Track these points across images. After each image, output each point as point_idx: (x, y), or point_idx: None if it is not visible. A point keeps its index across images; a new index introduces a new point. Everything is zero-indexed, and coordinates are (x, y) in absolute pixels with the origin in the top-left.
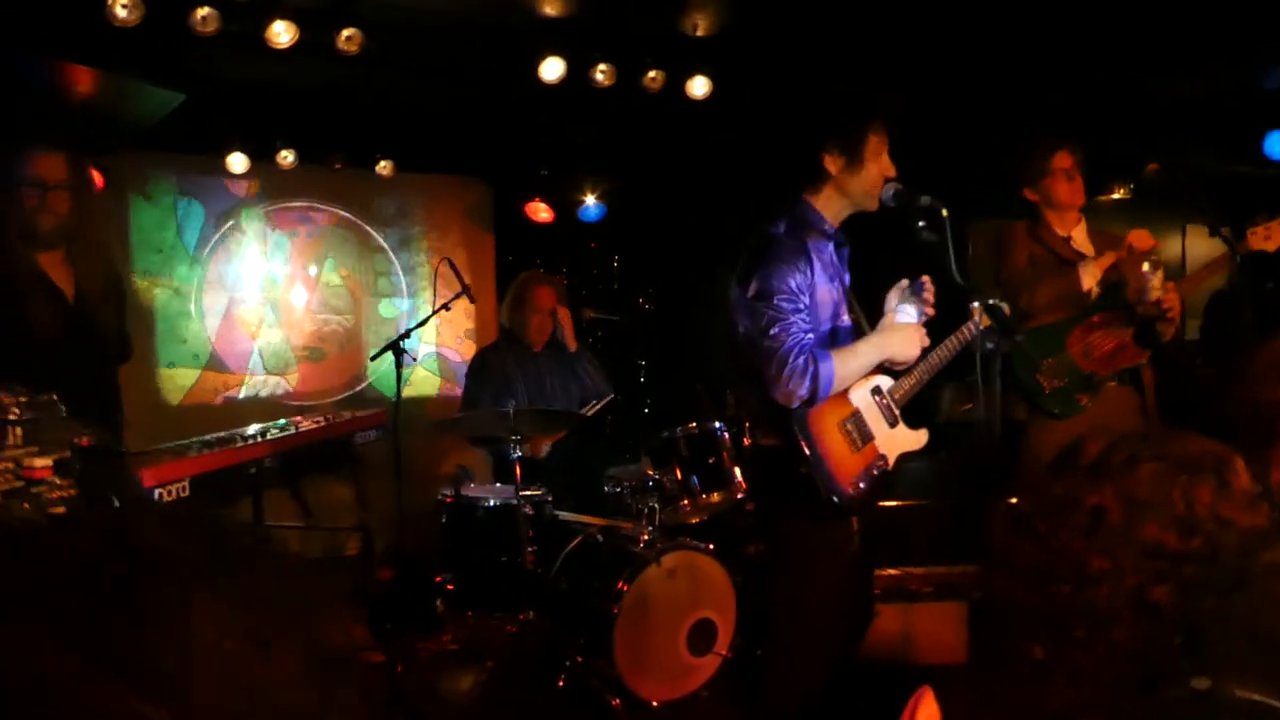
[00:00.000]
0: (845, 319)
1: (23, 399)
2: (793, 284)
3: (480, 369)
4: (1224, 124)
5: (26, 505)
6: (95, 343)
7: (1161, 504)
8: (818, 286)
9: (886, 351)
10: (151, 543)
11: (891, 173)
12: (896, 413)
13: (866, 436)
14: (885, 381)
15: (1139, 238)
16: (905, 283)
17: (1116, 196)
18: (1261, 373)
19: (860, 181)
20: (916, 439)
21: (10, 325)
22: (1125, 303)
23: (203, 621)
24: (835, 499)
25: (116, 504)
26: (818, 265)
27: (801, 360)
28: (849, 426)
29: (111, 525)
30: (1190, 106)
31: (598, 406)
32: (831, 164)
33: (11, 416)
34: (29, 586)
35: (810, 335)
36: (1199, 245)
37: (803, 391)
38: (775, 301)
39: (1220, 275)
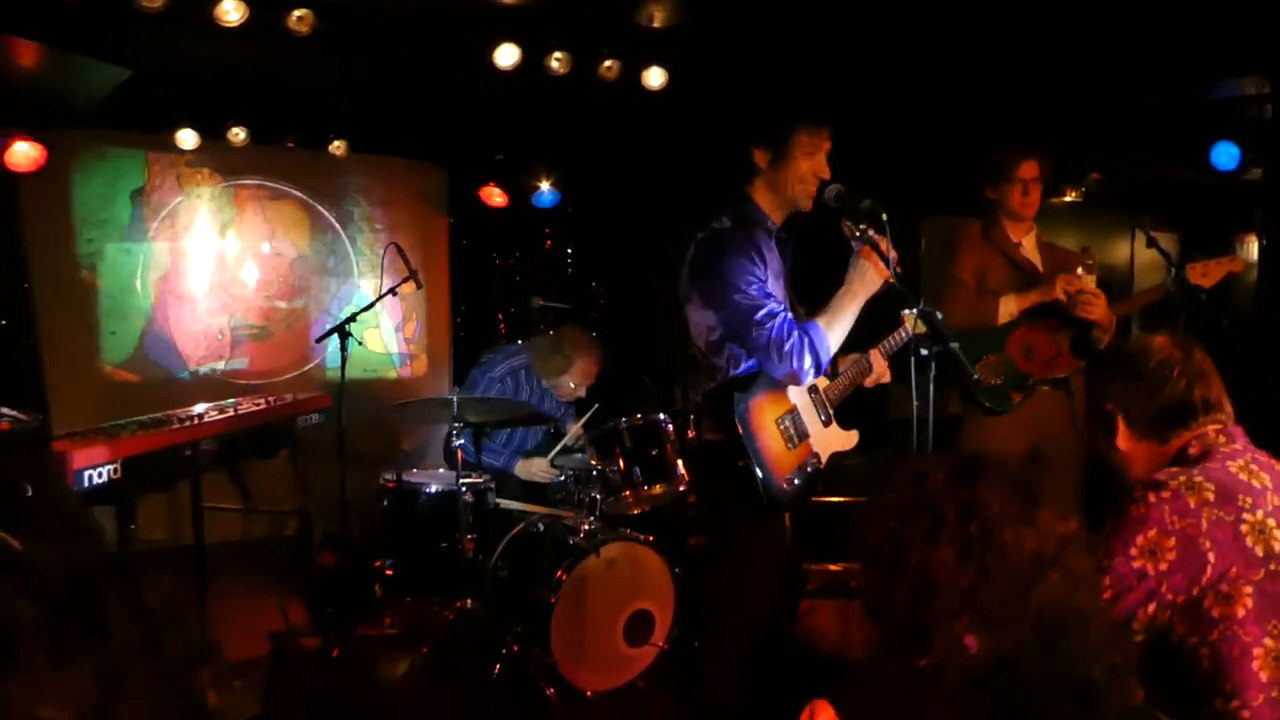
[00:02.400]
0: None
1: None
2: (757, 274)
3: (489, 371)
4: (1173, 134)
5: None
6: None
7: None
8: (768, 281)
9: (859, 295)
10: None
11: (825, 174)
12: (830, 412)
13: (802, 434)
14: (821, 380)
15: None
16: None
17: (1069, 199)
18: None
19: (788, 178)
20: (848, 439)
21: None
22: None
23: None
24: (770, 493)
25: (29, 492)
26: (767, 259)
27: (796, 336)
28: (786, 424)
29: None
30: (1141, 117)
31: (581, 421)
32: (759, 158)
33: None
34: None
35: (789, 314)
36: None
37: (807, 365)
38: (749, 290)
39: (1156, 297)
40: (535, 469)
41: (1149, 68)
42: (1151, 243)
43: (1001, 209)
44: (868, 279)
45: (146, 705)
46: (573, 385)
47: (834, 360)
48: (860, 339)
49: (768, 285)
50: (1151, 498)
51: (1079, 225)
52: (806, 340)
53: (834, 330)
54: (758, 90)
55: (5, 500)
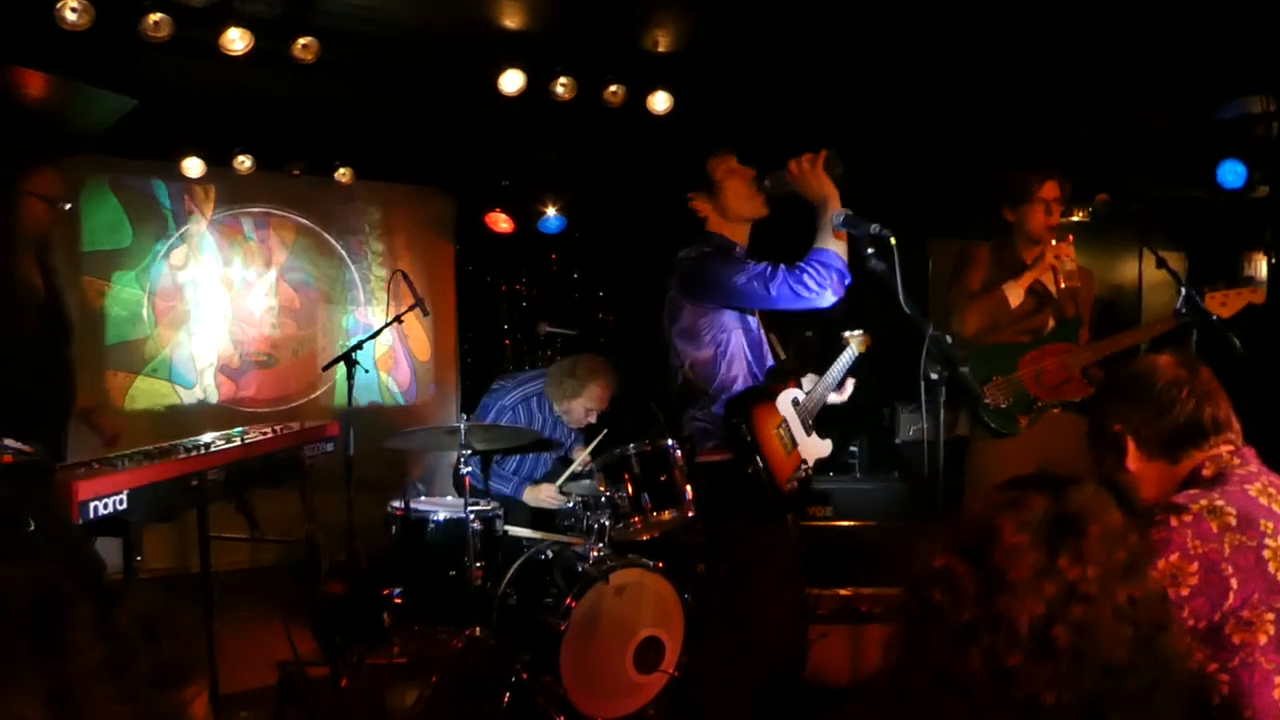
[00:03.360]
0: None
1: None
2: (746, 268)
3: (517, 403)
4: (1179, 153)
5: None
6: (62, 337)
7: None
8: None
9: (817, 193)
10: None
11: (760, 204)
12: (810, 422)
13: (793, 442)
14: (800, 395)
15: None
16: None
17: (1075, 219)
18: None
19: (728, 205)
20: (825, 447)
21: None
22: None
23: None
24: (776, 494)
25: (31, 526)
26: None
27: (802, 267)
28: (781, 432)
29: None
30: (1147, 136)
31: (591, 448)
32: (699, 205)
33: None
34: None
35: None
36: (1155, 270)
37: (835, 287)
38: (749, 268)
39: (1169, 327)
40: (544, 495)
41: (1155, 87)
42: (1161, 264)
43: (1019, 231)
44: (826, 190)
45: None
46: (585, 410)
47: (800, 379)
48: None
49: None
50: (1173, 521)
51: (1086, 246)
52: (818, 264)
53: (832, 245)
54: (761, 119)
55: (7, 533)
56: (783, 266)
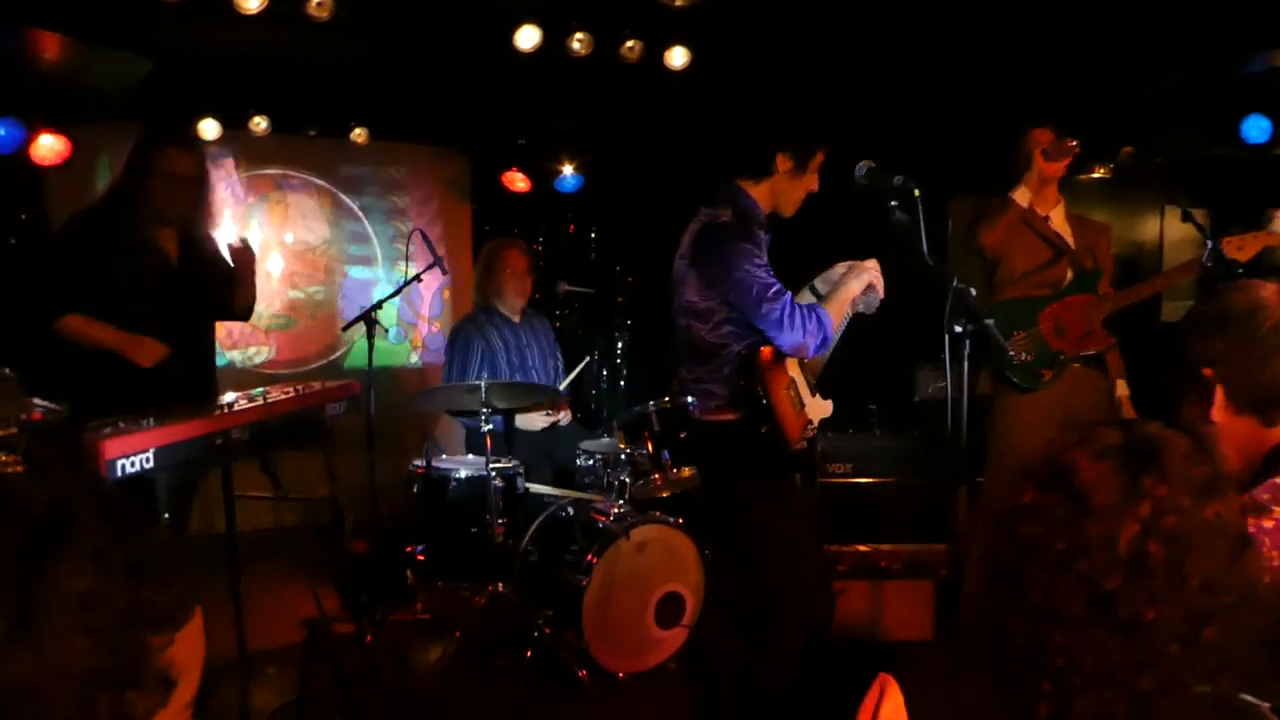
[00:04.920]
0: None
1: None
2: (761, 259)
3: (464, 343)
4: (1203, 109)
5: None
6: (193, 306)
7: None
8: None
9: (856, 290)
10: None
11: (816, 189)
12: (813, 382)
13: (801, 402)
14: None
15: None
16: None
17: (1096, 175)
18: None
19: (795, 189)
20: (827, 407)
21: (128, 289)
22: (1097, 288)
23: None
24: (787, 455)
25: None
26: (762, 250)
27: (806, 311)
28: (791, 392)
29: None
30: (1171, 91)
31: (574, 374)
32: (782, 163)
33: None
34: None
35: (789, 293)
36: (1178, 227)
37: (815, 340)
38: (757, 272)
39: (1190, 275)
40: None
41: (1179, 43)
42: (1187, 217)
43: (1026, 182)
44: (862, 281)
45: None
46: (515, 290)
47: None
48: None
49: (769, 269)
50: (1250, 523)
51: (1108, 202)
52: (814, 317)
53: (836, 312)
54: (797, 97)
55: None
56: (789, 296)
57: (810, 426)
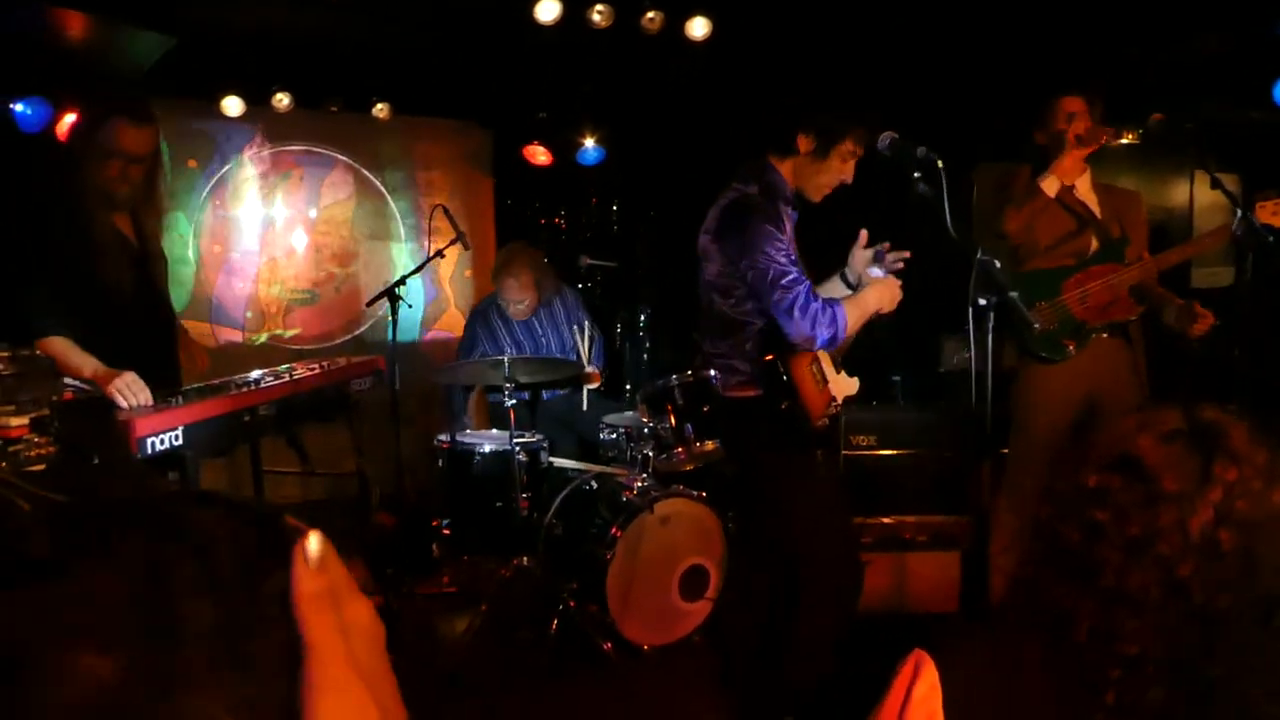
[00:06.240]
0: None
1: (5, 355)
2: (782, 242)
3: (470, 329)
4: (1234, 71)
5: (3, 464)
6: (156, 292)
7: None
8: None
9: (875, 305)
10: None
11: (849, 180)
12: (839, 359)
13: (824, 378)
14: None
15: None
16: (864, 237)
17: (1124, 142)
18: None
19: (819, 173)
20: (852, 384)
21: (85, 278)
22: (1124, 257)
23: None
24: (809, 431)
25: (95, 461)
26: (786, 230)
27: (820, 304)
28: (814, 369)
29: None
30: (1201, 56)
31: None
32: (803, 143)
33: None
34: None
35: (808, 283)
36: (1208, 193)
37: (824, 334)
38: (777, 256)
39: (1221, 241)
40: None
41: (1209, 4)
42: (1216, 184)
43: (1054, 151)
44: (887, 297)
45: None
46: (515, 300)
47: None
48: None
49: (791, 253)
50: None
51: (1136, 168)
52: (830, 311)
53: (851, 318)
54: (822, 80)
55: (76, 467)
56: (807, 285)
57: (834, 404)
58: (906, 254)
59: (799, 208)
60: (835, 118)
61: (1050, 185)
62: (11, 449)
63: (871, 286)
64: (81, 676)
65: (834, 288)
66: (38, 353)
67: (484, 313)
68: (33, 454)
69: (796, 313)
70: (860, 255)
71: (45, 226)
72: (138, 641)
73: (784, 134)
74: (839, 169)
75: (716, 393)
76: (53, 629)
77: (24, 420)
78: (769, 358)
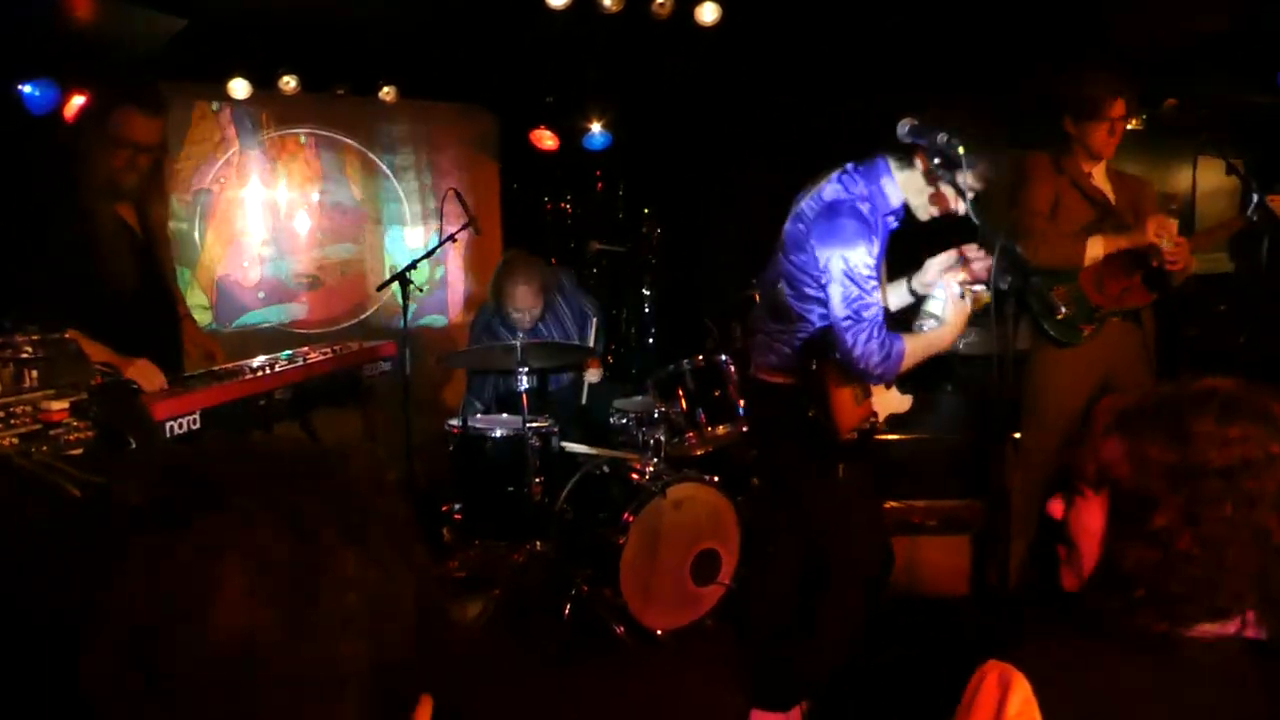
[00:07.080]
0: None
1: (36, 338)
2: (871, 259)
3: (485, 338)
4: (1241, 58)
5: (45, 449)
6: (161, 282)
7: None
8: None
9: (950, 339)
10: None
11: (957, 212)
12: None
13: (866, 392)
14: None
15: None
16: (954, 255)
17: (1130, 127)
18: None
19: (930, 197)
20: (902, 402)
21: (86, 268)
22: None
23: None
24: (833, 445)
25: (132, 444)
26: (880, 241)
27: (882, 337)
28: (855, 383)
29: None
30: (1210, 38)
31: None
32: (922, 161)
33: (25, 355)
34: None
35: (882, 310)
36: (1210, 178)
37: (877, 366)
38: (859, 276)
39: (1232, 230)
40: None
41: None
42: (1232, 169)
43: (1081, 144)
44: (959, 330)
45: None
46: (518, 314)
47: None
48: None
49: (877, 272)
50: None
51: (1140, 153)
52: (889, 347)
53: (913, 354)
54: (812, 30)
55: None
56: (877, 317)
57: (872, 418)
58: (989, 264)
59: (902, 220)
60: (953, 155)
61: (1096, 248)
62: (52, 432)
63: (946, 326)
64: (232, 618)
65: (897, 292)
66: (66, 336)
67: (488, 326)
68: (72, 438)
69: (859, 339)
70: (935, 264)
71: (47, 216)
72: (284, 584)
73: (904, 144)
74: (953, 202)
75: (728, 376)
76: (209, 566)
77: (64, 405)
78: (812, 365)
